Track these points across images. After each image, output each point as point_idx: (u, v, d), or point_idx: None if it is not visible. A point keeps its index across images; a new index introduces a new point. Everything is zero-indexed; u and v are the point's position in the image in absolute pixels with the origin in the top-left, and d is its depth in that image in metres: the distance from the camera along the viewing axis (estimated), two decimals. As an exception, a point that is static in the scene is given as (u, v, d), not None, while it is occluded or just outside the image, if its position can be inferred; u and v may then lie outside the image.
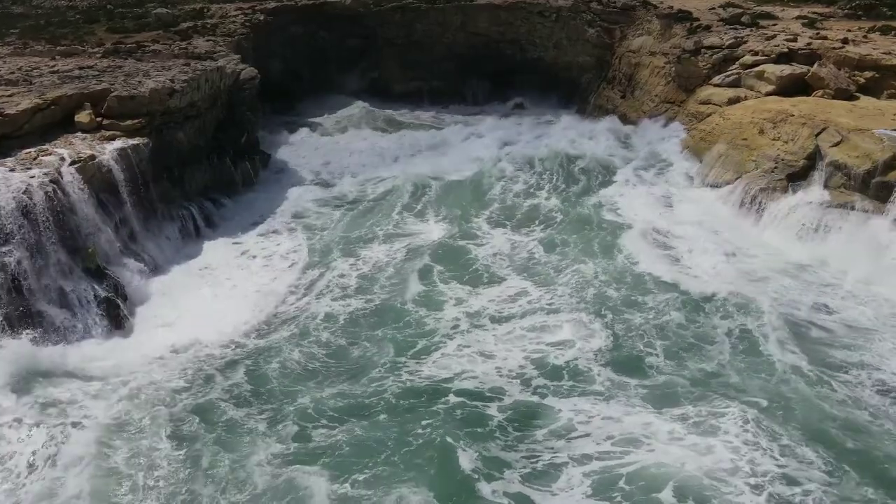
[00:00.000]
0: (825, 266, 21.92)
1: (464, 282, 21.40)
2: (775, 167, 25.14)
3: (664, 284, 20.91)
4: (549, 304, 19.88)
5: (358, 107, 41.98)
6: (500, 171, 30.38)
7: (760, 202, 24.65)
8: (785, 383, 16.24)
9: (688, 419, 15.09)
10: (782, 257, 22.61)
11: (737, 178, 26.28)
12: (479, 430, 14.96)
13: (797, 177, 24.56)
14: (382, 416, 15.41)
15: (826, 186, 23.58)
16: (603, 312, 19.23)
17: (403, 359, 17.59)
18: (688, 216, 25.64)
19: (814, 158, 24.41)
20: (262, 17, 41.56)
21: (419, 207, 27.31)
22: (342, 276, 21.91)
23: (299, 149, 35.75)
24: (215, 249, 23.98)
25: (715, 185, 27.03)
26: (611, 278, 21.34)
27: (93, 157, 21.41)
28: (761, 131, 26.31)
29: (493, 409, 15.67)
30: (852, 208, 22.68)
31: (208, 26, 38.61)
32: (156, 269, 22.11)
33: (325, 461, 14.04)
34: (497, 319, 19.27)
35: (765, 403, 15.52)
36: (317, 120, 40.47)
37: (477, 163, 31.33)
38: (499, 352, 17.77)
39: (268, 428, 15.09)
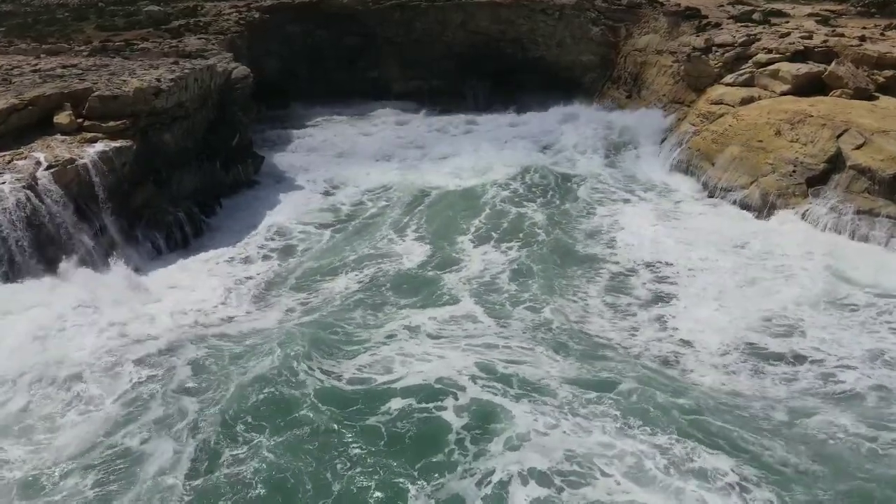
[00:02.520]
0: (870, 285, 19.41)
1: (416, 307, 19.24)
2: (794, 170, 23.85)
3: (656, 328, 18.14)
4: (502, 335, 17.76)
5: (357, 107, 40.73)
6: (494, 181, 28.75)
7: (779, 209, 23.35)
8: (810, 437, 13.85)
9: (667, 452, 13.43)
10: (820, 280, 19.59)
11: (752, 182, 25.02)
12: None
13: (817, 181, 23.30)
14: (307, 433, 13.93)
15: (849, 191, 22.30)
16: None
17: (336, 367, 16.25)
18: (694, 238, 22.91)
19: (835, 161, 23.14)
20: (257, 15, 40.40)
21: (406, 220, 25.39)
22: (296, 306, 19.65)
23: (295, 151, 34.54)
24: (192, 264, 22.13)
25: (728, 190, 25.74)
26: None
27: (71, 161, 20.19)
28: (778, 132, 25.03)
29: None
30: (877, 214, 21.44)
31: (201, 24, 37.39)
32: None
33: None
34: (448, 339, 17.56)
35: (777, 455, 13.36)
36: (314, 121, 39.27)
37: (474, 170, 29.96)
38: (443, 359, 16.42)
39: (168, 453, 13.52)
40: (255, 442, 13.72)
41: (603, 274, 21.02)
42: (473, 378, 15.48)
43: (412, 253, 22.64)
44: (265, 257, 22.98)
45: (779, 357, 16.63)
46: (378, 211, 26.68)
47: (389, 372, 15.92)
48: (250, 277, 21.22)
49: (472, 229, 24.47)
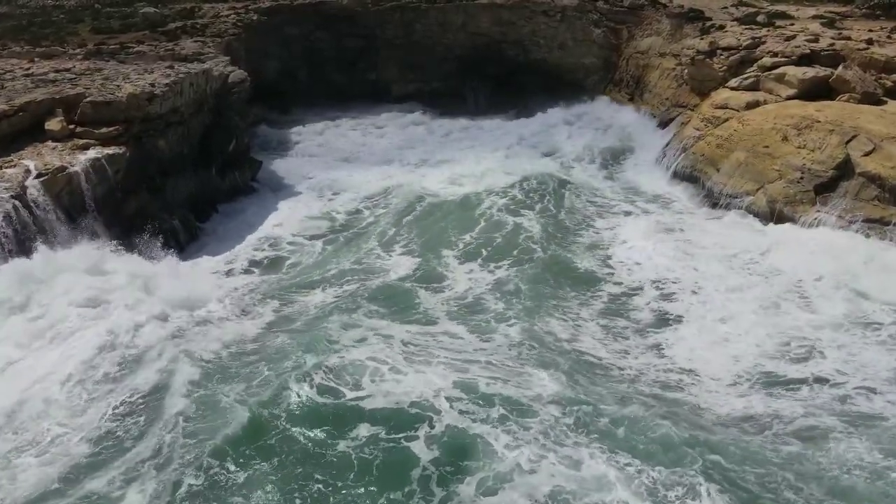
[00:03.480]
0: (890, 301, 18.20)
1: (399, 324, 18.07)
2: (801, 177, 23.33)
3: (657, 351, 16.99)
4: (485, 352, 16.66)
5: (356, 110, 40.26)
6: (491, 189, 27.61)
7: (787, 218, 22.79)
8: (824, 472, 12.67)
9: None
10: (836, 297, 18.42)
11: (758, 189, 24.50)
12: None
13: (825, 188, 22.74)
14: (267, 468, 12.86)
15: (858, 199, 21.80)
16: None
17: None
18: (700, 253, 21.77)
19: (843, 168, 22.60)
20: (255, 17, 40.04)
21: (397, 233, 24.14)
22: (277, 321, 18.68)
23: (294, 155, 34.17)
24: (182, 273, 21.14)
25: (733, 196, 25.22)
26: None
27: (62, 169, 19.71)
28: (785, 138, 24.50)
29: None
30: (888, 223, 20.93)
31: (198, 26, 36.95)
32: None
33: None
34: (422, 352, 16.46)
35: (783, 495, 12.18)
36: (313, 124, 38.75)
37: (473, 177, 29.22)
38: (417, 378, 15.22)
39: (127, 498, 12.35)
40: (219, 477, 12.71)
41: (601, 293, 19.81)
42: (451, 400, 14.34)
43: (399, 268, 21.43)
44: (250, 270, 22.03)
45: (793, 382, 15.52)
46: (373, 220, 25.78)
47: (363, 389, 14.79)
48: (236, 289, 20.39)
49: (464, 244, 23.16)
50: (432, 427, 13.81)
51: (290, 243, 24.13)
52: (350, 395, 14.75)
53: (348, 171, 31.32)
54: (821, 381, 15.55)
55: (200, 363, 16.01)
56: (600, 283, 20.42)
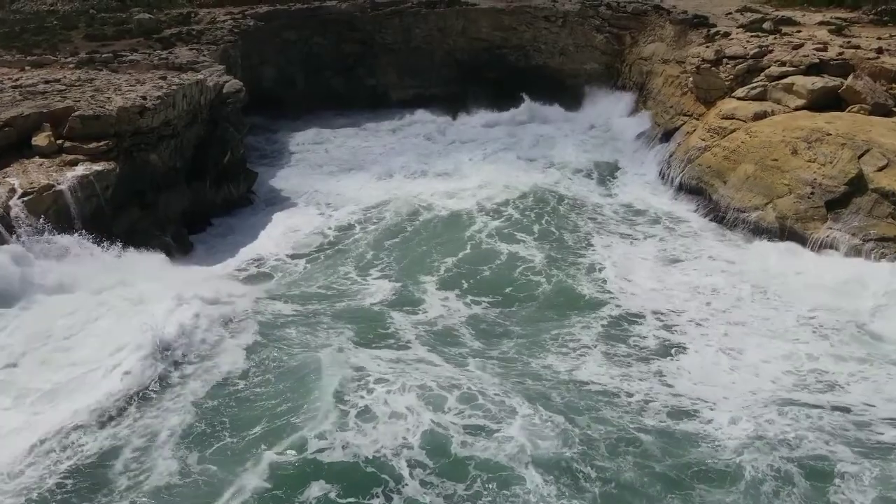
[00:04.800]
0: None
1: (378, 353, 17.15)
2: (812, 192, 22.64)
3: (659, 389, 15.88)
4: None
5: (355, 117, 39.61)
6: (484, 207, 26.56)
7: (798, 237, 22.12)
8: None
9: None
10: (849, 329, 17.51)
11: (767, 203, 23.85)
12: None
13: (837, 204, 22.06)
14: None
15: (871, 216, 21.13)
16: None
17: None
18: (707, 280, 20.76)
19: (856, 184, 21.91)
20: (251, 23, 39.41)
21: (383, 256, 23.08)
22: (243, 351, 17.41)
23: (291, 165, 33.52)
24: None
25: (741, 210, 24.57)
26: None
27: (49, 187, 19.05)
28: (794, 151, 23.81)
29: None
30: (902, 242, 20.30)
31: (193, 33, 36.20)
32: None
33: None
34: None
35: None
36: (312, 132, 38.13)
37: (471, 191, 28.24)
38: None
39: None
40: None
41: (603, 323, 18.77)
42: (412, 465, 12.90)
43: (379, 293, 20.45)
44: (231, 292, 20.53)
45: (808, 426, 14.33)
46: (362, 236, 24.84)
47: (325, 439, 13.64)
48: (216, 314, 18.92)
49: (456, 264, 22.28)
50: (389, 499, 12.28)
51: (277, 259, 23.36)
52: (312, 444, 13.50)
53: (346, 181, 30.61)
54: (841, 409, 14.65)
55: (159, 418, 14.81)
56: (602, 311, 19.35)
